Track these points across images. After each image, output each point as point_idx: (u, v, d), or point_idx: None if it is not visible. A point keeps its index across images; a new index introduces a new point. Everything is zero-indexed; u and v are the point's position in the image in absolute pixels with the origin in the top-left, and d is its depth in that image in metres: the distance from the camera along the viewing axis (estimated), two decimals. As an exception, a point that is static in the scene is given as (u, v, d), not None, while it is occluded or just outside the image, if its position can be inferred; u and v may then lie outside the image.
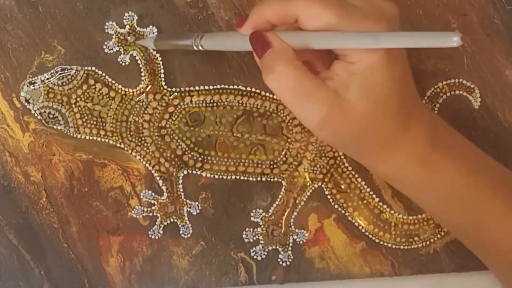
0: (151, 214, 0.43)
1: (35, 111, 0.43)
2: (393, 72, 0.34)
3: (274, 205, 0.43)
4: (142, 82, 0.43)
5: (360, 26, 0.33)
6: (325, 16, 0.33)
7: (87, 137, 0.43)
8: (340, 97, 0.34)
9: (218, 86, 0.43)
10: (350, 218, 0.43)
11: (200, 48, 0.39)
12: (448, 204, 0.38)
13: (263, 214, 0.43)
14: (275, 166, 0.43)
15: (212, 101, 0.43)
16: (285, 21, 0.35)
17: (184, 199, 0.43)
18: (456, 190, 0.37)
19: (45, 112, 0.43)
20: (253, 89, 0.43)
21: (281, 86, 0.34)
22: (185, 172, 0.43)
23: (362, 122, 0.34)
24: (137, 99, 0.43)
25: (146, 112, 0.43)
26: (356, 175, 0.43)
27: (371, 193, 0.43)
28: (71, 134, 0.43)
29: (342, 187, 0.43)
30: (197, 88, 0.43)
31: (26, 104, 0.43)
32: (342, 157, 0.43)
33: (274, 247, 0.43)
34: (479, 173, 0.37)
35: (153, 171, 0.43)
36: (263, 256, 0.43)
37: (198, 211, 0.43)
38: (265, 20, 0.35)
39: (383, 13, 0.34)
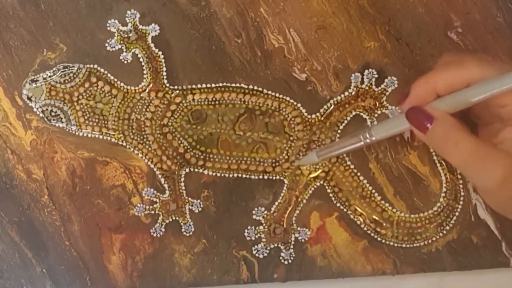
0: (153, 212, 0.43)
1: (37, 108, 0.43)
2: None
3: (276, 203, 0.43)
4: (144, 80, 0.43)
5: None
6: (497, 66, 0.33)
7: (89, 135, 0.43)
8: None
9: (220, 84, 0.43)
10: (352, 217, 0.43)
11: (369, 140, 0.39)
12: None
13: (265, 212, 0.43)
14: (277, 164, 0.43)
15: (214, 99, 0.43)
16: (454, 89, 0.35)
17: (186, 197, 0.43)
18: None
19: (47, 109, 0.43)
20: (255, 87, 0.43)
21: (461, 155, 0.35)
22: (187, 170, 0.43)
23: None
24: (139, 97, 0.43)
25: (148, 110, 0.43)
26: (358, 174, 0.43)
27: (373, 191, 0.43)
28: (73, 132, 0.43)
29: (344, 185, 0.43)
30: (199, 86, 0.43)
31: (28, 102, 0.43)
32: (344, 155, 0.43)
33: (276, 245, 0.43)
34: None
35: (155, 169, 0.43)
36: (265, 254, 0.43)
37: (200, 209, 0.43)
38: (433, 91, 0.35)
39: None
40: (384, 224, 0.43)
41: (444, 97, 0.36)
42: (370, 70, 0.43)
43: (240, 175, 0.43)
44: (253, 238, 0.44)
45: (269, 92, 0.43)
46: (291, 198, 0.43)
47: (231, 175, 0.43)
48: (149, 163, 0.43)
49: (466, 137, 0.34)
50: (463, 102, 0.35)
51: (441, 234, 0.43)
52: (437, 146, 0.36)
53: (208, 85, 0.43)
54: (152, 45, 0.43)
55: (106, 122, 0.43)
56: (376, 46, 0.43)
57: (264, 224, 0.43)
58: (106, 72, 0.43)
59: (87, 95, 0.43)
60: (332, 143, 0.42)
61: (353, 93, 0.43)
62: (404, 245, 0.43)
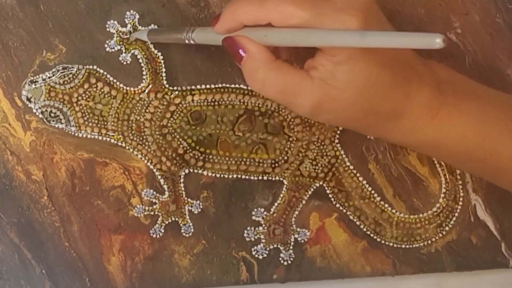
0: (152, 213, 0.43)
1: (36, 109, 0.43)
2: (376, 55, 0.33)
3: (276, 204, 0.43)
4: (144, 81, 0.43)
5: (335, 21, 0.32)
6: (298, 15, 0.32)
7: (89, 136, 0.43)
8: (329, 85, 0.34)
9: (220, 85, 0.43)
10: (351, 217, 0.43)
11: (192, 41, 0.39)
12: (464, 157, 0.37)
13: (265, 213, 0.43)
14: (276, 165, 0.43)
15: (213, 100, 0.43)
16: (258, 23, 0.34)
17: (186, 198, 0.43)
18: (469, 143, 0.36)
19: (46, 110, 0.43)
20: (255, 88, 0.43)
21: (268, 91, 0.35)
22: (187, 171, 0.43)
23: (356, 106, 0.34)
24: (139, 97, 0.43)
25: (147, 111, 0.43)
26: (358, 174, 0.43)
27: (373, 192, 0.43)
28: (73, 133, 0.43)
29: (344, 186, 0.43)
30: (198, 87, 0.43)
31: (27, 102, 0.43)
32: (344, 156, 0.43)
33: (275, 246, 0.43)
34: (487, 121, 0.36)
35: (154, 170, 0.43)
36: (265, 255, 0.43)
37: (199, 210, 0.43)
38: (238, 21, 0.35)
39: (356, 3, 0.33)
40: (384, 225, 0.43)
41: (255, 29, 0.35)
42: (369, 70, 0.43)
43: (239, 176, 0.43)
44: (252, 239, 0.44)
45: (269, 93, 0.43)
46: (290, 199, 0.43)
47: (230, 176, 0.43)
48: (148, 164, 0.43)
49: (273, 75, 0.34)
50: (284, 41, 0.34)
51: (440, 235, 0.43)
52: (248, 81, 0.36)
53: (208, 86, 0.43)
54: (151, 46, 0.43)
55: (105, 123, 0.43)
56: (375, 47, 0.43)
57: (263, 225, 0.43)
58: (105, 73, 0.43)
59: (87, 96, 0.43)
60: (162, 29, 0.42)
61: (352, 94, 0.43)
62: (403, 246, 0.43)
